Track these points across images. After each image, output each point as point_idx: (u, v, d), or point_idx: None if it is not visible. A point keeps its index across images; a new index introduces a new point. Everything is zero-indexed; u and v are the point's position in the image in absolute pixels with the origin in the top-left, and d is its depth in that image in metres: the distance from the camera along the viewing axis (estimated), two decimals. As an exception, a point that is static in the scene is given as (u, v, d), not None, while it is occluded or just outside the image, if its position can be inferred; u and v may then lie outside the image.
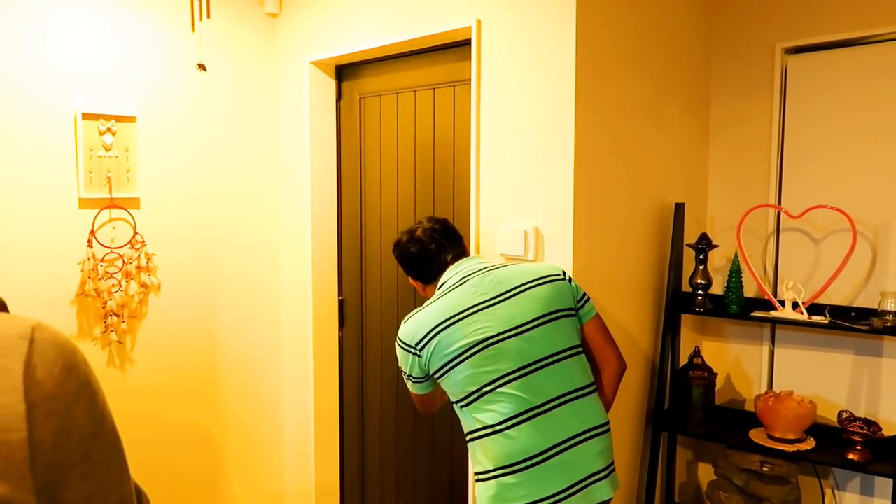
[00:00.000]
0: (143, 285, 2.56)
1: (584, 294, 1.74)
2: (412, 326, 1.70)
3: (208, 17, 2.10)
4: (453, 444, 2.45)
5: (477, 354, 1.59)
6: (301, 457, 2.94)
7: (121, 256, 2.50)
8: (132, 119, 2.48)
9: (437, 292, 1.76)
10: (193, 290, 2.72)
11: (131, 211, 2.52)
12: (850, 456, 2.02)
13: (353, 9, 2.51)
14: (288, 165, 2.87)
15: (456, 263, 1.80)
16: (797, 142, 2.35)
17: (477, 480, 1.63)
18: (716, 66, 2.49)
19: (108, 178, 2.44)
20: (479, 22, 2.09)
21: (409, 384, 1.76)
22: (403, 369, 1.74)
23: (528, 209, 2.02)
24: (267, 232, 2.93)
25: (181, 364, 2.72)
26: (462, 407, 1.64)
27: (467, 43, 2.16)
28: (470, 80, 2.15)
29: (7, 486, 0.56)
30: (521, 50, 2.00)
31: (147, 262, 2.56)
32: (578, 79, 1.88)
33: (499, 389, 1.58)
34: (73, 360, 0.65)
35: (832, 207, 2.20)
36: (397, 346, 1.74)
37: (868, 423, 2.05)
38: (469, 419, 1.63)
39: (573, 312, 1.69)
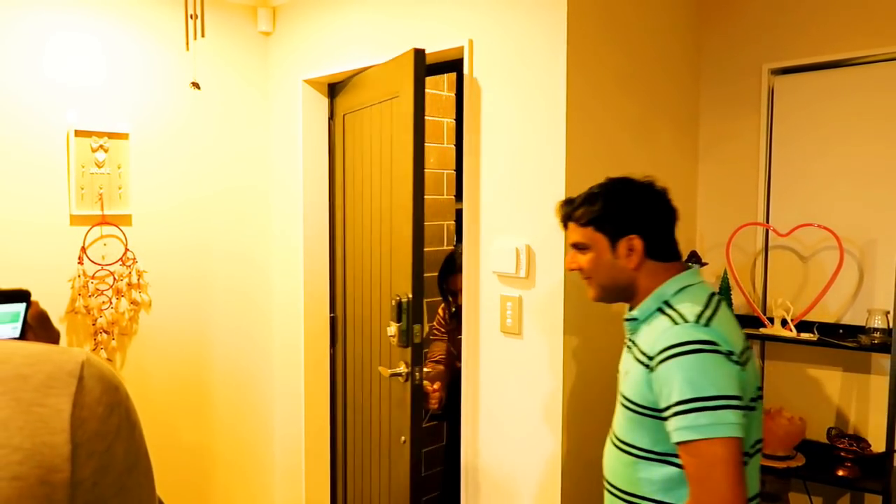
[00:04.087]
0: (133, 302, 2.56)
1: None
2: (723, 329, 1.30)
3: (202, 35, 2.11)
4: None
5: (755, 408, 1.34)
6: (292, 474, 2.92)
7: (112, 273, 2.49)
8: (125, 136, 2.49)
9: (696, 298, 1.36)
10: (184, 307, 2.71)
11: (123, 228, 2.51)
12: (840, 472, 2.03)
13: (346, 28, 2.53)
14: (280, 183, 2.88)
15: (696, 269, 1.48)
16: (784, 160, 2.38)
17: None
18: (704, 86, 2.52)
19: (100, 194, 2.44)
20: (471, 42, 2.11)
21: (727, 418, 1.22)
22: (715, 392, 1.22)
23: (519, 227, 2.03)
24: (259, 249, 2.93)
25: (171, 381, 2.70)
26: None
27: (459, 62, 2.19)
28: (407, 93, 2.17)
29: None
30: (512, 69, 2.02)
31: (138, 279, 2.56)
32: (569, 98, 1.91)
33: (752, 459, 1.37)
34: (117, 396, 0.65)
35: (819, 226, 2.23)
36: (703, 355, 1.25)
37: (857, 439, 2.07)
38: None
39: None
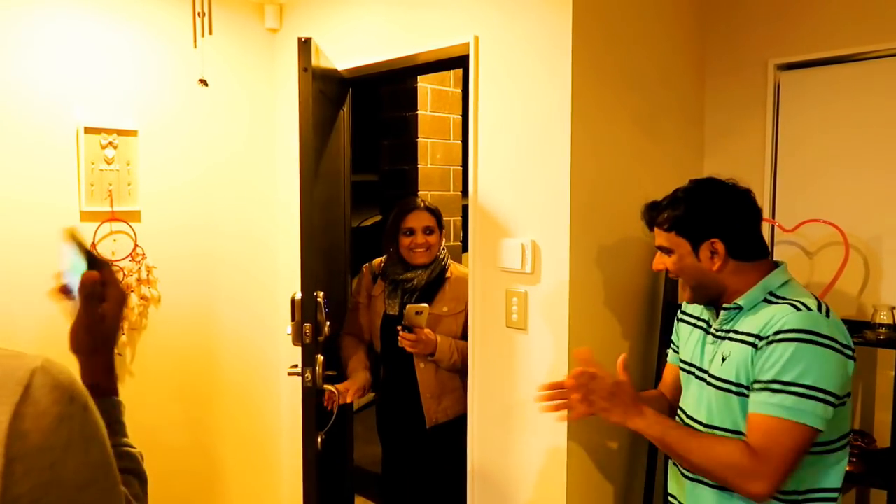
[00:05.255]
0: (143, 297, 2.58)
1: None
2: (839, 323, 1.35)
3: (210, 33, 2.13)
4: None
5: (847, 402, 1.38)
6: (299, 469, 2.94)
7: (121, 269, 2.52)
8: (134, 133, 2.51)
9: (803, 292, 1.43)
10: (194, 302, 2.74)
11: (132, 224, 2.54)
12: (846, 468, 2.04)
13: (353, 25, 2.54)
14: (288, 179, 2.89)
15: (786, 266, 1.50)
16: (790, 156, 2.38)
17: None
18: (710, 81, 2.52)
19: (110, 191, 2.47)
20: (476, 38, 2.12)
21: (815, 409, 1.27)
22: (816, 384, 1.27)
23: (525, 223, 2.04)
24: (267, 246, 2.96)
25: (181, 375, 2.73)
26: (826, 453, 1.39)
27: (465, 59, 2.20)
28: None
29: None
30: (517, 66, 2.03)
31: (147, 275, 2.58)
32: (574, 94, 1.91)
33: (842, 451, 1.41)
34: (70, 409, 0.60)
35: (825, 221, 2.22)
36: (822, 349, 1.28)
37: (862, 434, 2.07)
38: (826, 472, 1.39)
39: None
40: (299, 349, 2.06)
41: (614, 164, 2.12)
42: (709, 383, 1.49)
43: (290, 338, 2.21)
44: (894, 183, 2.17)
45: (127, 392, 2.58)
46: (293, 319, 2.13)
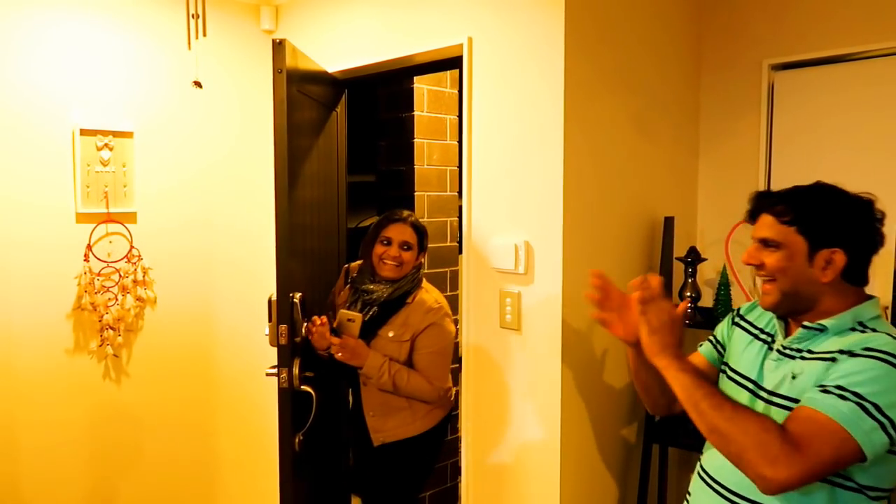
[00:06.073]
0: (139, 299, 2.59)
1: None
2: None
3: (204, 35, 2.14)
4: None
5: None
6: (296, 469, 2.95)
7: (117, 270, 2.53)
8: (129, 135, 2.52)
9: (891, 330, 1.31)
10: (190, 303, 2.74)
11: (128, 225, 2.55)
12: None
13: (349, 27, 2.55)
14: (283, 180, 2.90)
15: (878, 301, 1.39)
16: (784, 156, 2.38)
17: None
18: (704, 81, 2.53)
19: (105, 192, 2.47)
20: (470, 39, 2.13)
21: (872, 432, 1.17)
22: (886, 407, 1.17)
23: (518, 223, 2.05)
24: (263, 246, 2.96)
25: (177, 377, 2.74)
26: (868, 497, 1.28)
27: (459, 60, 2.20)
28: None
29: None
30: (510, 66, 2.04)
31: (143, 276, 2.59)
32: (567, 94, 1.92)
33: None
34: None
35: (819, 221, 2.23)
36: None
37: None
38: None
39: None
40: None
41: (608, 164, 2.12)
42: (765, 400, 1.37)
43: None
44: (887, 182, 2.17)
45: (122, 393, 2.60)
46: (270, 320, 2.11)
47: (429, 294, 2.32)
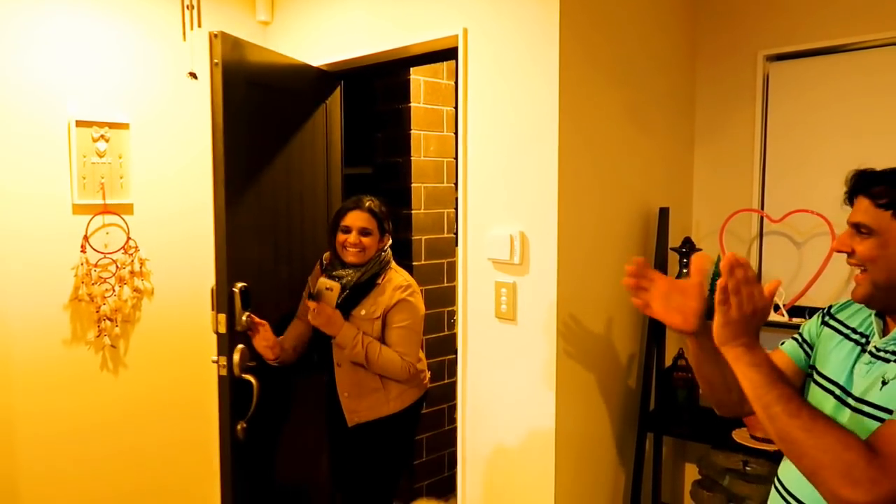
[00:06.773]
0: (136, 290, 2.60)
1: None
2: None
3: (199, 25, 2.13)
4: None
5: None
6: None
7: (114, 261, 2.53)
8: (125, 126, 2.52)
9: None
10: (187, 294, 2.75)
11: (124, 216, 2.55)
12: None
13: (345, 18, 2.55)
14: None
15: None
16: (779, 147, 2.39)
17: None
18: (700, 72, 2.53)
19: (102, 184, 2.48)
20: (465, 30, 2.13)
21: None
22: None
23: (514, 214, 2.06)
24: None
25: (175, 367, 2.75)
26: None
27: (454, 51, 2.20)
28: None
29: None
30: (506, 57, 2.04)
31: (140, 267, 2.59)
32: (562, 85, 1.93)
33: None
34: None
35: (812, 212, 2.24)
36: None
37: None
38: None
39: None
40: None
41: (603, 155, 2.13)
42: (852, 407, 1.21)
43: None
44: (881, 173, 2.18)
45: (120, 384, 2.61)
46: (212, 309, 2.21)
47: (398, 274, 2.41)
